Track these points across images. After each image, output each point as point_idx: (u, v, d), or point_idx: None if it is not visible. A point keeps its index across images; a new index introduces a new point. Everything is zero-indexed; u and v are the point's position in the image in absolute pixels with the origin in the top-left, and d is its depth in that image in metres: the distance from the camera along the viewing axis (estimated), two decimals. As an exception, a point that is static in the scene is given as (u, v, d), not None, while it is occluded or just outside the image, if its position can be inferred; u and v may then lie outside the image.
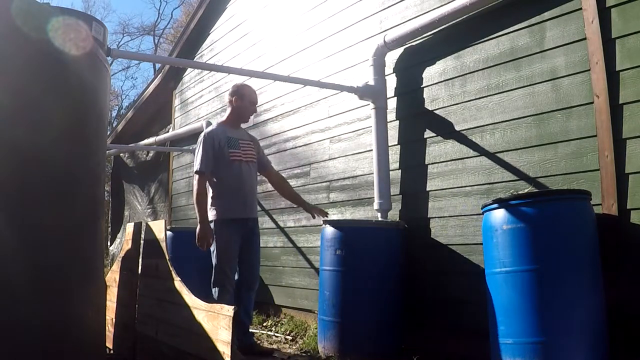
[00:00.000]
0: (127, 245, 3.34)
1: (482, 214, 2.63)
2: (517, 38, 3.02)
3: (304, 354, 3.41)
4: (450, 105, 3.38)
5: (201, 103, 6.55)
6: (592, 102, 2.63)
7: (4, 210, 1.77)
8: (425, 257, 3.39)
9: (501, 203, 2.48)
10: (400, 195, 3.64)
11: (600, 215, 2.51)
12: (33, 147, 1.88)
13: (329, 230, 3.34)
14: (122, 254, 3.43)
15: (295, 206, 4.17)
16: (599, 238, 2.39)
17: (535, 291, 2.29)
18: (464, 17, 3.26)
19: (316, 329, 3.52)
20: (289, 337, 3.92)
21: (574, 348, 2.23)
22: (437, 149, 3.43)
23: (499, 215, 2.46)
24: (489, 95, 3.15)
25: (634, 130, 2.46)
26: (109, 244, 9.22)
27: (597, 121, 2.59)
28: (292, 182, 4.65)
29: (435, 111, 3.48)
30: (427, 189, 3.45)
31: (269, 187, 4.07)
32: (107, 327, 2.92)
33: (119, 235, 9.06)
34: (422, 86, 3.58)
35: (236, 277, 3.41)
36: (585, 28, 2.67)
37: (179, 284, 2.63)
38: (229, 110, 3.57)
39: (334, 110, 4.33)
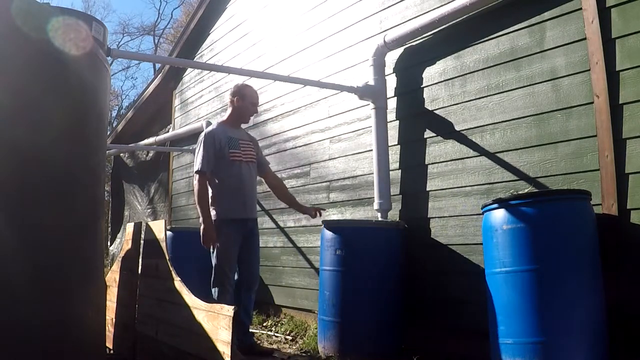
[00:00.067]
0: (127, 245, 3.34)
1: (482, 214, 2.63)
2: (517, 38, 3.02)
3: (304, 354, 3.41)
4: (450, 105, 3.38)
5: (201, 103, 6.55)
6: (592, 102, 2.63)
7: (4, 210, 1.77)
8: (425, 257, 3.39)
9: (501, 203, 2.48)
10: (400, 195, 3.64)
11: (600, 215, 2.51)
12: (33, 147, 1.88)
13: (329, 230, 3.34)
14: (122, 254, 3.43)
15: (295, 206, 4.17)
16: (599, 238, 2.39)
17: (535, 291, 2.30)
18: (464, 17, 3.26)
19: (316, 329, 3.52)
20: (289, 337, 3.92)
21: (574, 348, 2.23)
22: (437, 149, 3.43)
23: (499, 215, 2.46)
24: (489, 95, 3.15)
25: (634, 130, 2.46)
26: (109, 244, 9.22)
27: (597, 121, 2.59)
28: (292, 182, 4.65)
29: (435, 111, 3.48)
30: (427, 189, 3.45)
31: (269, 187, 4.07)
32: (107, 327, 2.92)
33: (119, 235, 9.06)
34: (422, 86, 3.59)
35: (236, 277, 3.41)
36: (585, 28, 2.67)
37: (179, 284, 2.63)
38: (229, 110, 3.57)
39: (334, 110, 4.33)
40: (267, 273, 4.79)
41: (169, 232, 4.47)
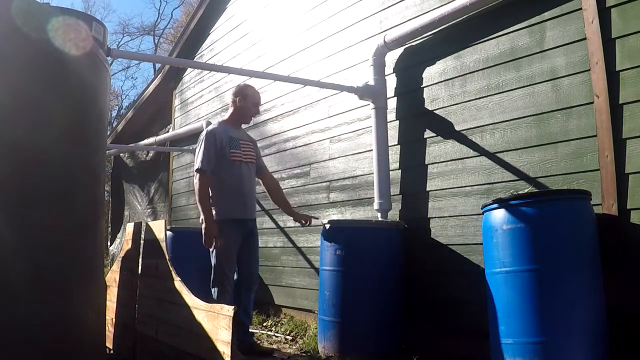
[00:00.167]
0: (127, 245, 3.34)
1: (482, 214, 2.63)
2: (517, 38, 3.02)
3: (304, 354, 3.41)
4: (450, 105, 3.38)
5: (201, 103, 6.55)
6: (592, 102, 2.63)
7: (4, 210, 1.77)
8: (425, 257, 3.39)
9: (501, 203, 2.48)
10: (400, 195, 3.64)
11: (600, 215, 2.51)
12: (33, 147, 1.88)
13: (329, 230, 3.34)
14: (122, 254, 3.43)
15: (295, 206, 4.17)
16: (599, 238, 2.39)
17: (535, 291, 2.29)
18: (464, 17, 3.26)
19: (316, 329, 3.52)
20: (289, 337, 3.92)
21: (574, 348, 2.23)
22: (437, 149, 3.43)
23: (499, 215, 2.46)
24: (489, 95, 3.15)
25: (634, 130, 2.46)
26: (109, 244, 9.22)
27: (597, 121, 2.59)
28: (292, 182, 4.65)
29: (435, 111, 3.48)
30: (427, 189, 3.45)
31: (269, 187, 4.07)
32: (107, 327, 2.92)
33: (119, 235, 9.06)
34: (422, 86, 3.59)
35: (235, 277, 3.40)
36: (585, 28, 2.67)
37: (179, 284, 2.63)
38: (231, 110, 3.57)
39: (334, 110, 4.33)
40: (267, 273, 4.79)
41: (169, 232, 4.47)
